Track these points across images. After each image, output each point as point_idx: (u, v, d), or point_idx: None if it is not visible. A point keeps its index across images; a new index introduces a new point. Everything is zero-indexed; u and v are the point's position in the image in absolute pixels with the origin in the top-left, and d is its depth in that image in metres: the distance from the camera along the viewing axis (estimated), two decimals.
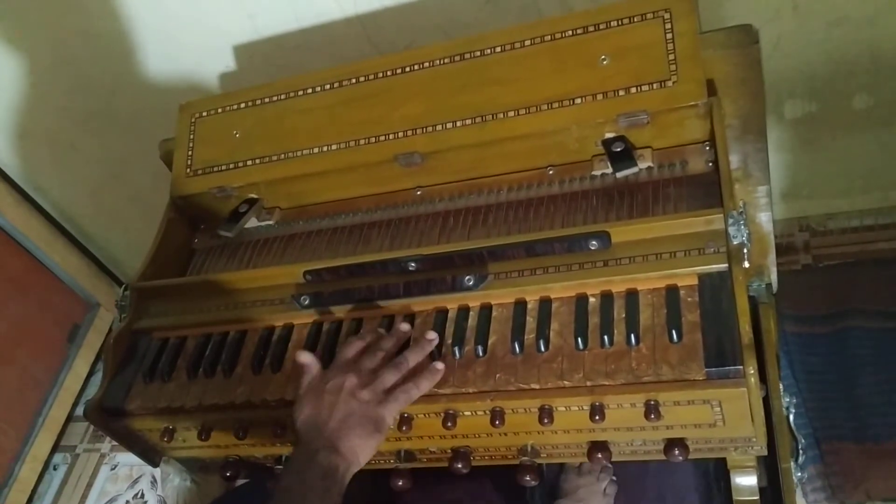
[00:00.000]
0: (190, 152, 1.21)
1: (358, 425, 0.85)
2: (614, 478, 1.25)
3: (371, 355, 0.91)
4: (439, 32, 1.31)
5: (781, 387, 1.13)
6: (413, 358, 0.91)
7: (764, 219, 1.08)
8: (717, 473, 1.23)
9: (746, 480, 1.04)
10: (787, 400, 1.14)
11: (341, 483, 0.82)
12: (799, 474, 1.16)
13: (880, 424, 1.32)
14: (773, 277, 1.14)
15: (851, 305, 1.47)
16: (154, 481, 1.85)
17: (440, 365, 0.91)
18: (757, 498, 1.07)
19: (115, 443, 1.91)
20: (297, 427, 0.86)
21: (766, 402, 1.04)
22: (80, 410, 1.99)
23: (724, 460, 1.05)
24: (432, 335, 0.93)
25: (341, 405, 0.85)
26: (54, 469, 1.95)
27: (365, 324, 1.00)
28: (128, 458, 1.91)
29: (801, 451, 1.23)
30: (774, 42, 1.28)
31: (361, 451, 0.85)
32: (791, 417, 1.17)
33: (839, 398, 1.38)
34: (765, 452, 0.91)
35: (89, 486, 1.90)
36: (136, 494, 1.85)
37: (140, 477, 1.87)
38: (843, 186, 1.58)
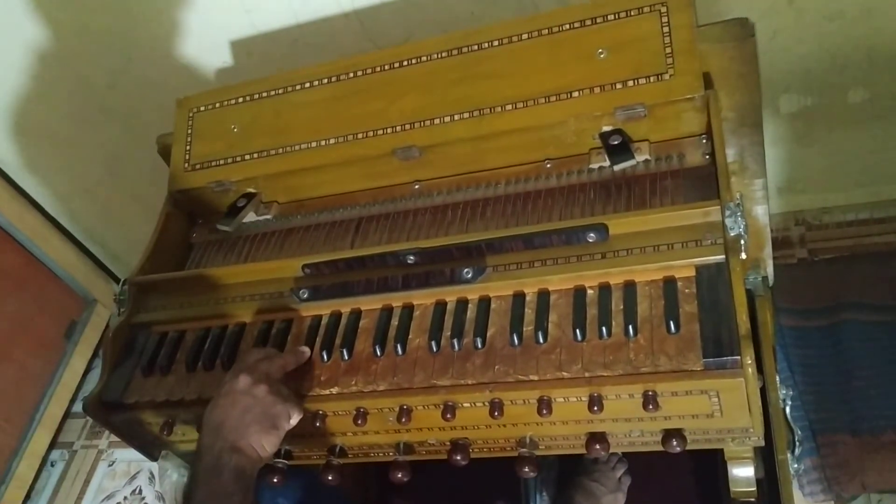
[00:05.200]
0: (188, 147, 1.21)
1: (255, 422, 0.87)
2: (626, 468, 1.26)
3: (267, 361, 0.94)
4: (436, 27, 1.31)
5: (778, 379, 1.13)
6: (291, 361, 0.96)
7: (760, 212, 1.09)
8: (715, 466, 1.23)
9: (743, 472, 1.05)
10: (784, 392, 1.15)
11: (251, 480, 0.87)
12: (795, 466, 1.17)
13: (876, 417, 1.33)
14: (770, 270, 1.15)
15: (847, 299, 1.47)
16: (152, 477, 1.85)
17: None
18: (754, 489, 1.07)
19: (112, 439, 1.94)
20: (201, 431, 0.89)
21: (763, 393, 1.04)
22: (77, 407, 1.99)
23: (721, 453, 1.06)
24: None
25: (239, 405, 0.88)
26: (52, 465, 1.95)
27: (363, 316, 1.00)
28: (125, 455, 1.91)
29: (797, 443, 1.24)
30: (770, 36, 1.28)
31: (261, 447, 0.88)
32: (787, 410, 1.18)
33: (835, 391, 1.39)
34: (762, 443, 0.91)
35: (87, 482, 1.90)
36: (134, 490, 1.85)
37: (138, 473, 1.87)
38: (839, 181, 1.58)
